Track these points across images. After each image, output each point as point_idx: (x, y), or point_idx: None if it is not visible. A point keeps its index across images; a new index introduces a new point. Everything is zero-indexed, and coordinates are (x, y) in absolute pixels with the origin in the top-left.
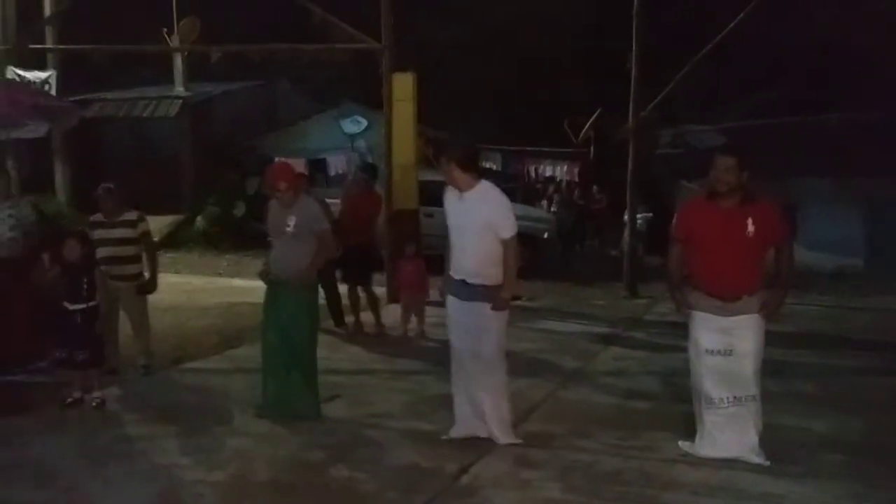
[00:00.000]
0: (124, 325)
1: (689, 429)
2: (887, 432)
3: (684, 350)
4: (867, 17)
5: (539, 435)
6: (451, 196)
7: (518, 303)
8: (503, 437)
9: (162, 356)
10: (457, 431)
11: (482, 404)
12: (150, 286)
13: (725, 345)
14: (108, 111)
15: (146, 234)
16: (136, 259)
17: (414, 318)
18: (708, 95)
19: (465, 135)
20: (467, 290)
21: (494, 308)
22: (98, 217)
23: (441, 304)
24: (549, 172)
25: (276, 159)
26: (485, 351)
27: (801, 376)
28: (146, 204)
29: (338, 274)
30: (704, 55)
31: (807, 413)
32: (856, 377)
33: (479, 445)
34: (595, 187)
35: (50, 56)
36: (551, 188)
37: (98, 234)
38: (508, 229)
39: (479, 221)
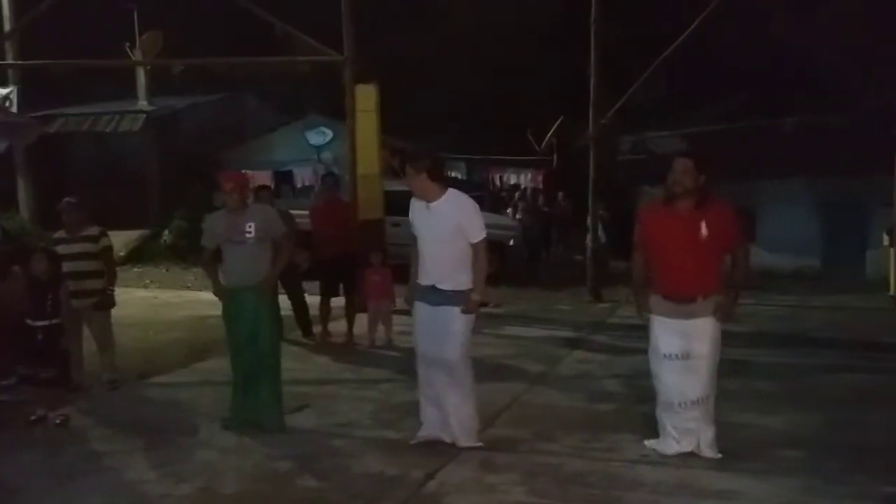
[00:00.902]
0: (89, 341)
1: (652, 429)
2: (843, 428)
3: (646, 352)
4: (820, 24)
5: (505, 439)
6: (417, 206)
7: (485, 309)
8: (465, 440)
9: (128, 371)
10: (423, 433)
11: (448, 408)
12: (108, 302)
13: (683, 348)
14: (70, 126)
15: (107, 250)
16: (97, 274)
17: (381, 328)
18: (669, 102)
19: (429, 144)
20: (437, 296)
21: (465, 311)
22: (61, 233)
23: (407, 313)
24: (513, 180)
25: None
26: (450, 354)
27: (760, 374)
28: (112, 219)
29: (308, 286)
30: (663, 62)
31: (765, 410)
32: (813, 375)
33: (445, 451)
34: (560, 194)
35: (11, 72)
36: (516, 196)
37: (60, 249)
38: (478, 233)
39: (450, 227)
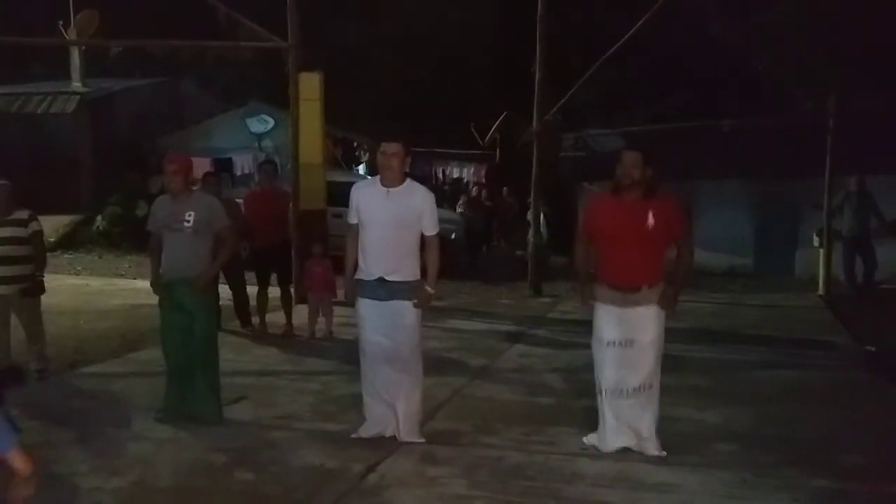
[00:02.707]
0: (17, 329)
1: (591, 423)
2: (775, 423)
3: (586, 346)
4: (757, 27)
5: (445, 432)
6: (372, 192)
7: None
8: (409, 435)
9: (59, 360)
10: (366, 430)
11: (397, 401)
12: (38, 288)
13: (626, 336)
14: None
15: (37, 235)
16: (26, 260)
17: (322, 319)
18: (612, 101)
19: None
20: (386, 289)
21: (418, 304)
22: None
23: (348, 305)
24: (456, 174)
25: None
26: (404, 348)
27: (696, 370)
28: (42, 203)
29: (246, 276)
30: (607, 61)
31: (700, 405)
32: (746, 371)
33: (386, 445)
34: (505, 189)
35: None
36: (472, 190)
37: None
38: (435, 225)
39: (413, 213)
